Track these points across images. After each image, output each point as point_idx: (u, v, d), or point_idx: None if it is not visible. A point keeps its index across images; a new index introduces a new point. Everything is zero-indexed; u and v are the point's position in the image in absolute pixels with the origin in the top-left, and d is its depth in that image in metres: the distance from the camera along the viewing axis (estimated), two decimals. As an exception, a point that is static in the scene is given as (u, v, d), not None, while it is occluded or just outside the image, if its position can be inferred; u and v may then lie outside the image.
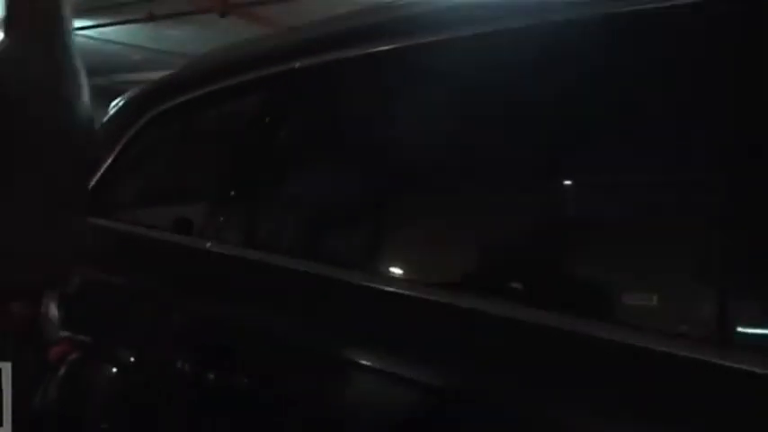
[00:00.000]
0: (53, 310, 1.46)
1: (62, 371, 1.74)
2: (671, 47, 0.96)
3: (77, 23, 5.83)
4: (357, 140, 1.41)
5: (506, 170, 1.11)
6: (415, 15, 1.33)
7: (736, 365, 0.76)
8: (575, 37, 1.05)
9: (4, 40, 1.45)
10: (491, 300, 1.01)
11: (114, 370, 1.59)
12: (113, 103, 2.16)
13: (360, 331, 1.13)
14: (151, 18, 5.55)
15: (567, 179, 1.07)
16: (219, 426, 1.30)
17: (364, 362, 1.11)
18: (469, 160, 1.17)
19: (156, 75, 2.21)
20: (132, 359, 1.56)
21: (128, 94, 2.15)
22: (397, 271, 1.21)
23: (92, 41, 6.39)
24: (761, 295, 0.80)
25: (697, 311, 0.84)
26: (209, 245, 1.47)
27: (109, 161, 1.95)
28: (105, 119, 2.12)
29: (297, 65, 1.50)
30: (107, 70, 7.27)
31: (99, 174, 1.94)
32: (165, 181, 1.95)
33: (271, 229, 1.48)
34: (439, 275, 1.13)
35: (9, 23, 1.45)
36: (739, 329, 0.79)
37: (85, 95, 1.49)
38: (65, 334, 1.77)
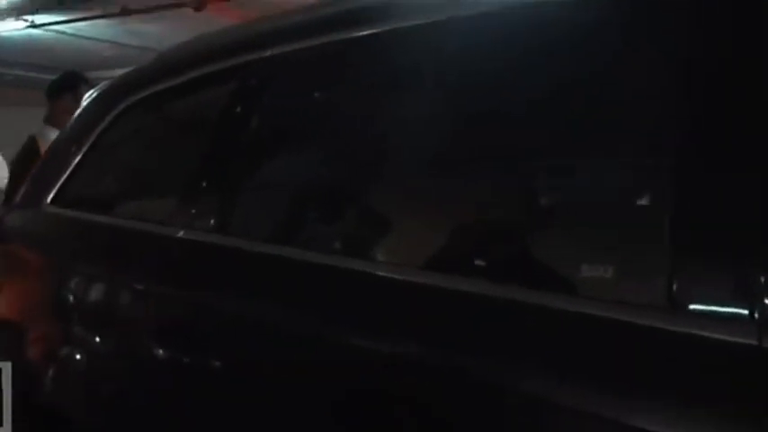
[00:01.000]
0: None
1: (39, 360, 1.75)
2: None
3: (49, 18, 5.77)
4: (328, 128, 1.42)
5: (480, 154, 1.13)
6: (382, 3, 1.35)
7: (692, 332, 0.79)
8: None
9: None
10: (458, 278, 1.03)
11: (91, 359, 1.59)
12: (86, 96, 2.16)
13: (338, 314, 1.15)
14: (124, 13, 5.48)
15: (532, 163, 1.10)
16: (198, 413, 1.31)
17: (342, 343, 1.12)
18: (443, 145, 1.19)
19: (129, 71, 2.21)
20: (108, 348, 1.56)
21: (99, 87, 2.14)
22: (372, 255, 1.23)
23: (64, 37, 6.31)
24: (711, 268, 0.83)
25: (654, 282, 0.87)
26: (181, 233, 1.47)
27: (81, 153, 1.94)
28: (78, 111, 2.12)
29: (268, 53, 1.52)
30: (79, 66, 7.18)
31: (71, 166, 1.94)
32: (137, 171, 1.95)
33: (244, 217, 1.49)
34: (408, 257, 1.15)
35: None
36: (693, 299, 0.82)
37: None
38: (44, 322, 1.77)
